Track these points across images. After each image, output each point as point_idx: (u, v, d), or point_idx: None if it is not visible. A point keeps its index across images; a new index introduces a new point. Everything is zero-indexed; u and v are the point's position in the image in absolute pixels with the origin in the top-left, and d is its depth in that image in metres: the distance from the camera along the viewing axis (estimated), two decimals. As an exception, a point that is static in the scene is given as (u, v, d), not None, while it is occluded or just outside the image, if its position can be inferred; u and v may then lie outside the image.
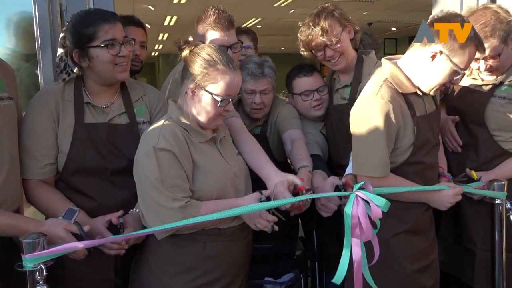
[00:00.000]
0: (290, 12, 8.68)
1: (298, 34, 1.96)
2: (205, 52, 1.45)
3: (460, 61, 1.51)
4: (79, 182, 1.55)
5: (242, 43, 1.97)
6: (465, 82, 1.93)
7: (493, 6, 1.86)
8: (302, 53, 2.02)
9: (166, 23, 9.53)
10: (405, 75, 1.59)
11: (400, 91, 1.59)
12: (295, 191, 1.48)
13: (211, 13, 1.79)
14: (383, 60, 1.67)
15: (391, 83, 1.59)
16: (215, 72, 1.42)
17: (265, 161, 1.57)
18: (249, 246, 1.62)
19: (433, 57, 1.52)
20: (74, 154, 1.52)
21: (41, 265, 1.26)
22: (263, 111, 2.02)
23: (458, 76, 1.56)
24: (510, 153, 1.85)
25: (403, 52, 1.70)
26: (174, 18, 9.06)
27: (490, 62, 1.79)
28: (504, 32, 1.75)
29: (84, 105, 1.56)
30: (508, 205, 1.73)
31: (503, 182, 1.72)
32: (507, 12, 1.81)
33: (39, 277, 1.25)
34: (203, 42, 1.77)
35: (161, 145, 1.40)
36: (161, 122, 1.47)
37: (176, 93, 1.68)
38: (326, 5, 1.94)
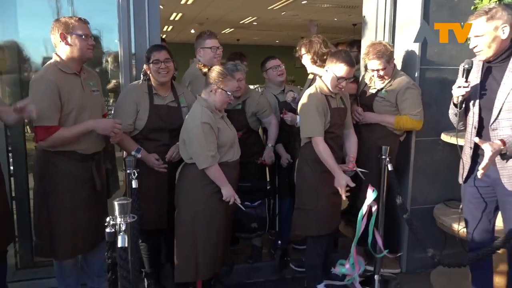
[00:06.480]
0: (282, 14, 9.69)
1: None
2: (217, 69, 2.65)
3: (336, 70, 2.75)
4: (152, 134, 2.82)
5: (223, 48, 3.23)
6: (367, 88, 3.29)
7: (383, 42, 3.19)
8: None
9: (172, 18, 10.39)
10: (325, 83, 2.84)
11: (323, 93, 2.82)
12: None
13: (203, 33, 3.19)
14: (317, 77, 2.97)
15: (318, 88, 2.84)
16: (226, 79, 2.61)
17: None
18: (238, 172, 2.84)
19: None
20: (149, 121, 2.79)
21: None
22: (240, 91, 3.22)
23: (343, 82, 2.80)
24: (388, 129, 3.16)
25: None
26: (180, 14, 9.96)
27: (381, 73, 3.07)
28: (388, 56, 3.05)
29: (153, 94, 2.83)
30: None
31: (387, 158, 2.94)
32: (390, 45, 3.15)
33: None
34: (203, 50, 3.15)
35: (205, 120, 2.52)
36: (199, 107, 2.60)
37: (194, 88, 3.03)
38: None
